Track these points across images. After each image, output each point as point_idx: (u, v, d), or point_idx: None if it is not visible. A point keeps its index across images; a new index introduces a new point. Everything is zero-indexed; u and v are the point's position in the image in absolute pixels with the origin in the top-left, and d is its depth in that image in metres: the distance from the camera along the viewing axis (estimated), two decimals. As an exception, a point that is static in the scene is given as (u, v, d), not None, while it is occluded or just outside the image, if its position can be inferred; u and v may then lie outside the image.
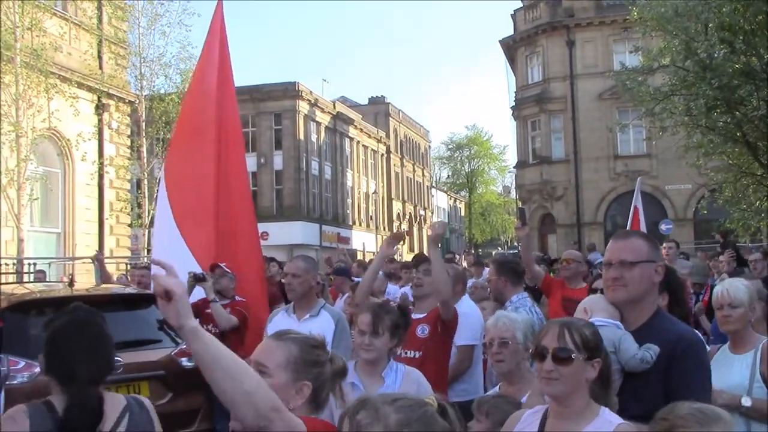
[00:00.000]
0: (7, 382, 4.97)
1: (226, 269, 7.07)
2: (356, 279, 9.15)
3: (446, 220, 74.57)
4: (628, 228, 12.88)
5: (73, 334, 2.77)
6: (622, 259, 2.95)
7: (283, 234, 36.74)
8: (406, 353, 4.50)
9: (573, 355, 2.46)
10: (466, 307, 5.56)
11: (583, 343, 2.48)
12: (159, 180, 7.80)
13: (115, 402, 2.83)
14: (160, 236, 7.66)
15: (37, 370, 5.49)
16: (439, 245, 4.92)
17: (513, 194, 60.31)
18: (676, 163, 24.70)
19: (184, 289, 1.98)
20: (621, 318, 2.95)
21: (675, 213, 30.34)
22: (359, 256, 30.94)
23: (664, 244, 10.10)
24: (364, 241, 44.24)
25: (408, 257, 38.19)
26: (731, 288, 3.98)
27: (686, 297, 8.08)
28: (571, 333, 2.49)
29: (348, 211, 47.56)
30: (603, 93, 31.14)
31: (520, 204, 36.50)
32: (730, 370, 3.82)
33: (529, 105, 33.72)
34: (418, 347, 4.65)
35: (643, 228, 13.25)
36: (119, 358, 5.40)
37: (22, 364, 5.62)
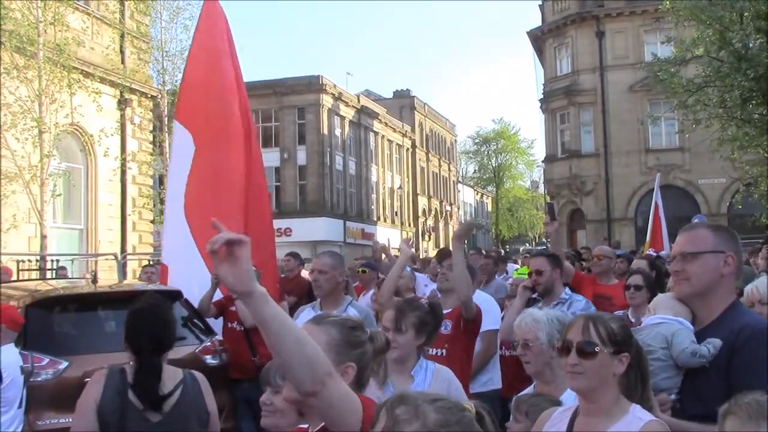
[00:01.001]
0: (31, 379, 5.14)
1: (253, 266, 6.92)
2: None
3: (473, 216, 74.13)
4: (649, 226, 12.64)
5: (144, 315, 3.47)
6: (683, 251, 2.82)
7: (306, 230, 36.60)
8: (429, 351, 4.38)
9: (597, 349, 2.42)
10: (481, 297, 5.60)
11: (608, 337, 2.43)
12: (167, 176, 7.64)
13: (174, 374, 3.48)
14: (170, 235, 7.45)
15: (62, 366, 5.64)
16: (464, 243, 4.77)
17: (541, 189, 59.67)
18: (710, 157, 24.32)
19: (248, 256, 1.99)
20: (693, 315, 2.84)
21: (708, 208, 29.76)
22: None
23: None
24: (389, 237, 43.79)
25: (434, 254, 37.80)
26: (760, 285, 3.86)
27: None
28: (596, 326, 2.46)
29: (372, 207, 47.29)
30: (634, 85, 30.72)
31: (548, 199, 36.08)
32: None
33: (558, 98, 33.29)
34: (441, 344, 4.57)
35: (663, 225, 12.89)
36: None
37: (46, 360, 5.62)
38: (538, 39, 35.29)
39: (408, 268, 7.33)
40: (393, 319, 3.73)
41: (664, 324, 2.81)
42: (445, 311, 4.63)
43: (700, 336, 2.75)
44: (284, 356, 1.98)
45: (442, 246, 54.87)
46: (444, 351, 4.57)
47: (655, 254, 10.52)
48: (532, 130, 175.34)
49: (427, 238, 54.48)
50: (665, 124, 29.53)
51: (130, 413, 3.27)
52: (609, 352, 2.42)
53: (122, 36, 19.41)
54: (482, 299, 5.45)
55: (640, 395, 2.48)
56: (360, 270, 8.76)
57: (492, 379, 5.41)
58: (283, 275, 9.50)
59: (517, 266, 14.77)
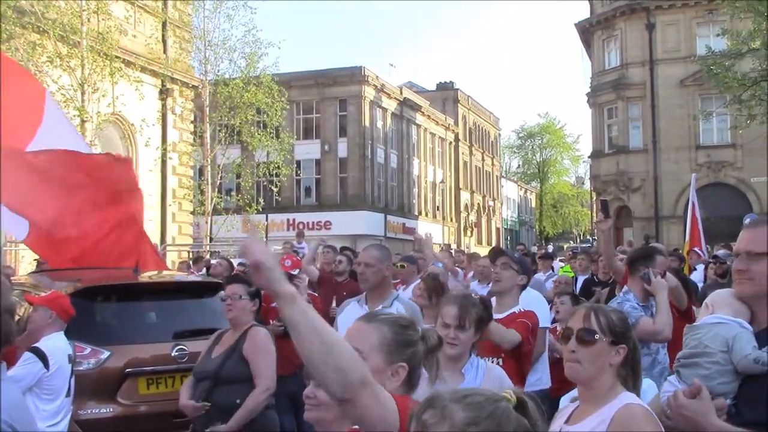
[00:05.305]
0: (74, 368, 5.11)
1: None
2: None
3: (516, 212, 73.35)
4: (687, 226, 12.36)
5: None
6: (749, 250, 2.71)
7: (346, 224, 36.38)
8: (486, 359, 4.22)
9: (596, 336, 2.48)
10: (531, 295, 5.48)
11: (608, 327, 2.49)
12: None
13: None
14: None
15: (103, 356, 5.75)
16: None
17: (587, 185, 58.65)
18: (763, 154, 23.50)
19: (271, 257, 2.00)
20: (752, 314, 2.74)
21: (761, 206, 28.83)
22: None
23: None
24: (430, 233, 43.51)
25: (476, 250, 37.40)
26: None
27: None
28: (597, 316, 2.52)
29: (414, 201, 46.81)
30: (685, 79, 29.91)
31: (594, 196, 35.37)
32: None
33: (606, 92, 32.55)
34: (498, 353, 4.40)
35: (699, 225, 12.51)
36: (184, 347, 5.97)
37: (88, 350, 5.68)
38: (586, 31, 34.58)
39: (440, 264, 7.08)
40: (456, 315, 3.60)
41: (724, 325, 2.70)
42: (500, 316, 4.47)
43: (759, 338, 2.66)
44: (310, 360, 1.94)
45: (484, 243, 54.34)
46: (500, 360, 4.40)
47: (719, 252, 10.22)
48: (578, 125, 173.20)
49: (469, 233, 53.93)
50: (717, 120, 28.91)
51: None
52: (608, 341, 2.48)
53: (164, 25, 19.41)
54: (531, 297, 5.36)
55: (631, 390, 2.52)
56: (399, 265, 8.56)
57: (541, 379, 5.30)
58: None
59: (563, 264, 14.40)
